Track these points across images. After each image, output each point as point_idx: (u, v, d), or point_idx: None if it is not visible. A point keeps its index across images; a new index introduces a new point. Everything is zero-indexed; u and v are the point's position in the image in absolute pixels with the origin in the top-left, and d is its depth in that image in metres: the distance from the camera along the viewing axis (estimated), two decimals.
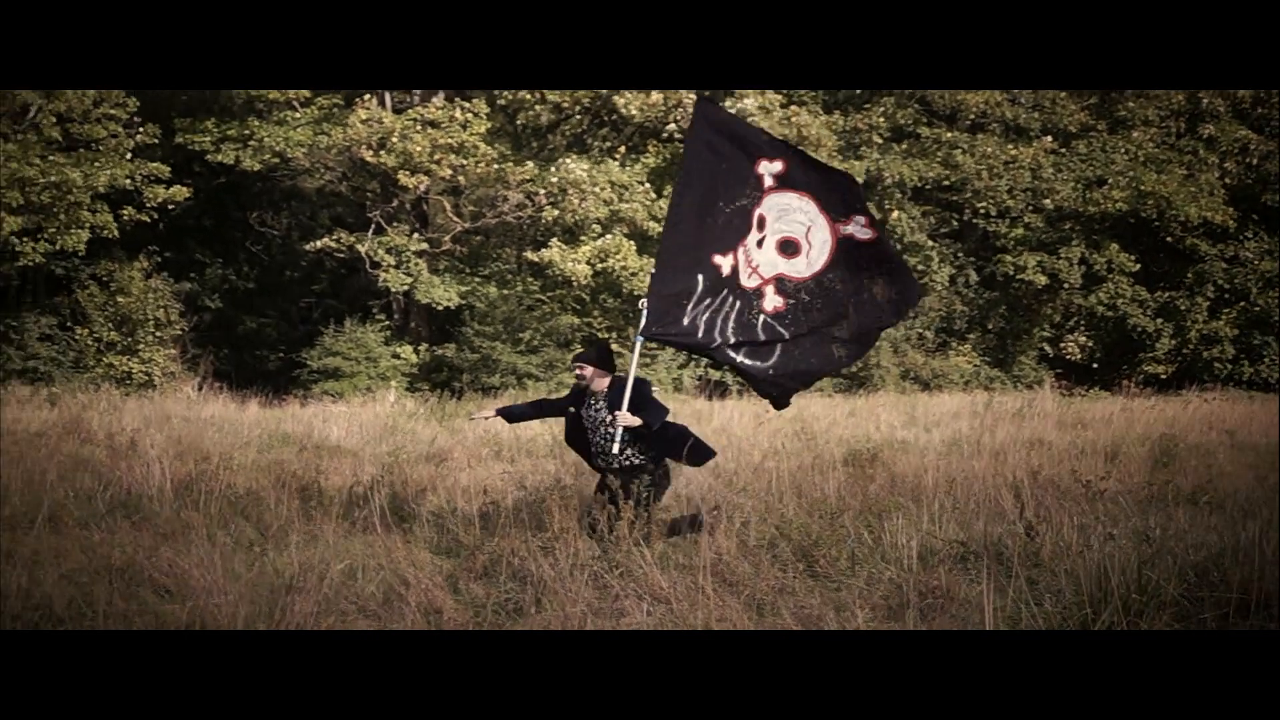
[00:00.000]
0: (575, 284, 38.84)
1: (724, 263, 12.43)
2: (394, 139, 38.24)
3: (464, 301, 39.52)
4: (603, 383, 12.50)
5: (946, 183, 43.61)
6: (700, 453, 12.63)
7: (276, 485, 14.60)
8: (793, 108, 40.20)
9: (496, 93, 40.16)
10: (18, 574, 9.89)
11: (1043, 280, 43.16)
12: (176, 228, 43.08)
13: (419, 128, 38.47)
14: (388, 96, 40.61)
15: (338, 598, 9.33)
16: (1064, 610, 9.48)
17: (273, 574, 10.02)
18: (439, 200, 41.15)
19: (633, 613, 9.54)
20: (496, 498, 14.42)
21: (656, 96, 38.71)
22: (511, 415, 13.47)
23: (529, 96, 39.87)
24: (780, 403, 13.07)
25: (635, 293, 38.50)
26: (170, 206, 39.15)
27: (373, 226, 40.50)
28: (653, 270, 12.58)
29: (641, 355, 15.21)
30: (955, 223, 45.43)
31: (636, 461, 12.20)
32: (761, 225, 12.67)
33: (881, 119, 43.25)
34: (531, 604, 9.87)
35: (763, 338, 12.46)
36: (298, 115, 40.03)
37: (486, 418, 13.46)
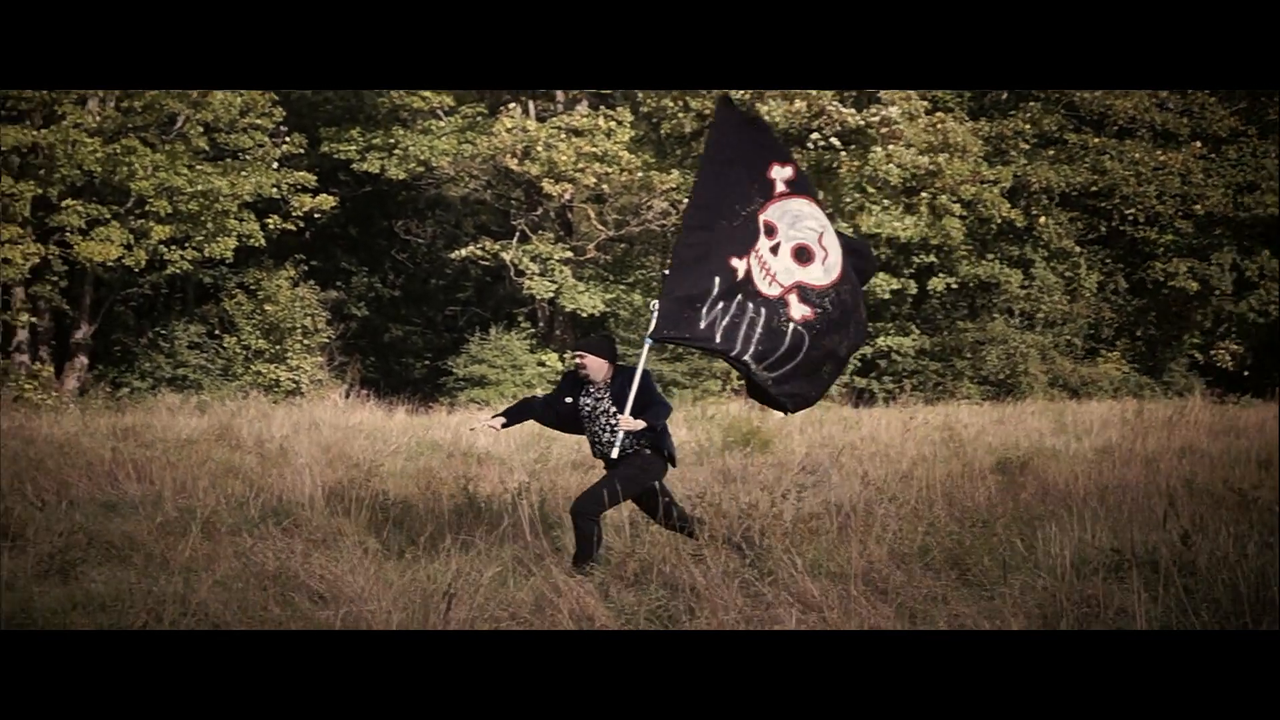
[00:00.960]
0: None
1: (740, 266, 12.06)
2: (538, 147, 38.35)
3: (608, 309, 39.57)
4: (604, 373, 12.23)
5: (1094, 189, 42.96)
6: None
7: (426, 492, 14.64)
8: (938, 114, 39.92)
9: (640, 100, 40.14)
10: (174, 580, 9.98)
11: (1193, 287, 42.51)
12: (323, 236, 43.53)
13: (563, 136, 38.55)
14: (531, 105, 40.73)
15: (490, 604, 9.32)
16: (1222, 619, 9.27)
17: (425, 580, 10.04)
18: (583, 208, 41.17)
19: (785, 620, 9.43)
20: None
21: (800, 104, 38.51)
22: (510, 417, 12.85)
23: (672, 104, 39.80)
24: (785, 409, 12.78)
25: None
26: (316, 215, 39.55)
27: (517, 234, 40.66)
28: (666, 271, 12.39)
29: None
30: (1103, 229, 44.72)
31: (631, 451, 12.01)
32: (771, 232, 12.31)
33: (1027, 125, 42.70)
34: (685, 612, 9.79)
35: (789, 344, 12.10)
36: (442, 124, 40.27)
37: (494, 427, 12.81)
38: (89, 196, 36.52)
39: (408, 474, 16.63)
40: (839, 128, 38.92)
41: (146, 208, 35.60)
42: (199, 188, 35.45)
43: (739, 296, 12.04)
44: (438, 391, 38.54)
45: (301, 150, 39.17)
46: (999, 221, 41.40)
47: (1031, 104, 43.31)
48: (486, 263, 41.25)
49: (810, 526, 12.26)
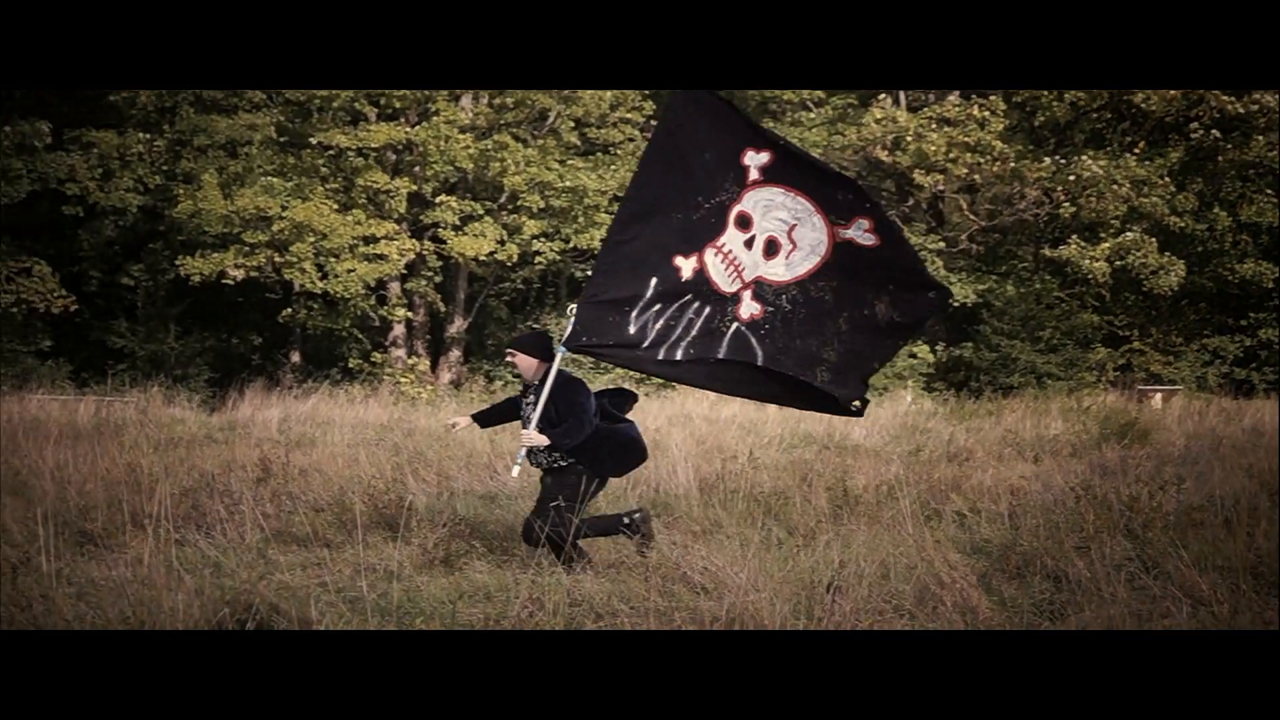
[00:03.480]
0: (1094, 281, 37.90)
1: (685, 265, 11.08)
2: (908, 138, 38.03)
3: (981, 300, 39.04)
4: (536, 373, 11.26)
5: None
6: (624, 461, 11.51)
7: (802, 484, 14.60)
8: None
9: (1013, 90, 39.50)
10: (557, 571, 10.12)
11: None
12: None
13: (934, 126, 38.17)
14: (902, 96, 40.43)
15: (873, 597, 9.23)
16: None
17: (807, 572, 9.99)
18: (955, 198, 40.75)
19: (1174, 614, 9.15)
20: (1022, 498, 14.11)
21: (1174, 92, 37.49)
22: (483, 419, 11.96)
23: (1045, 95, 39.12)
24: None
25: (1154, 290, 37.47)
26: None
27: None
28: (588, 274, 11.51)
29: None
30: None
31: (563, 464, 11.08)
32: (746, 224, 11.32)
33: None
34: (1070, 606, 9.56)
35: (721, 354, 11.13)
36: (812, 115, 40.23)
37: (458, 425, 11.86)
38: (462, 192, 37.46)
39: (781, 466, 16.60)
40: (1218, 115, 37.78)
41: (519, 203, 36.34)
42: (568, 183, 36.03)
43: (686, 297, 11.13)
44: None
45: None
46: None
47: None
48: None
49: (1194, 519, 11.89)
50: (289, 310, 38.05)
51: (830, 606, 8.60)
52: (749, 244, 11.28)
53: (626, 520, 11.26)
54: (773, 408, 22.14)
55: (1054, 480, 15.16)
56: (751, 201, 11.29)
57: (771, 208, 11.31)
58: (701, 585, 9.71)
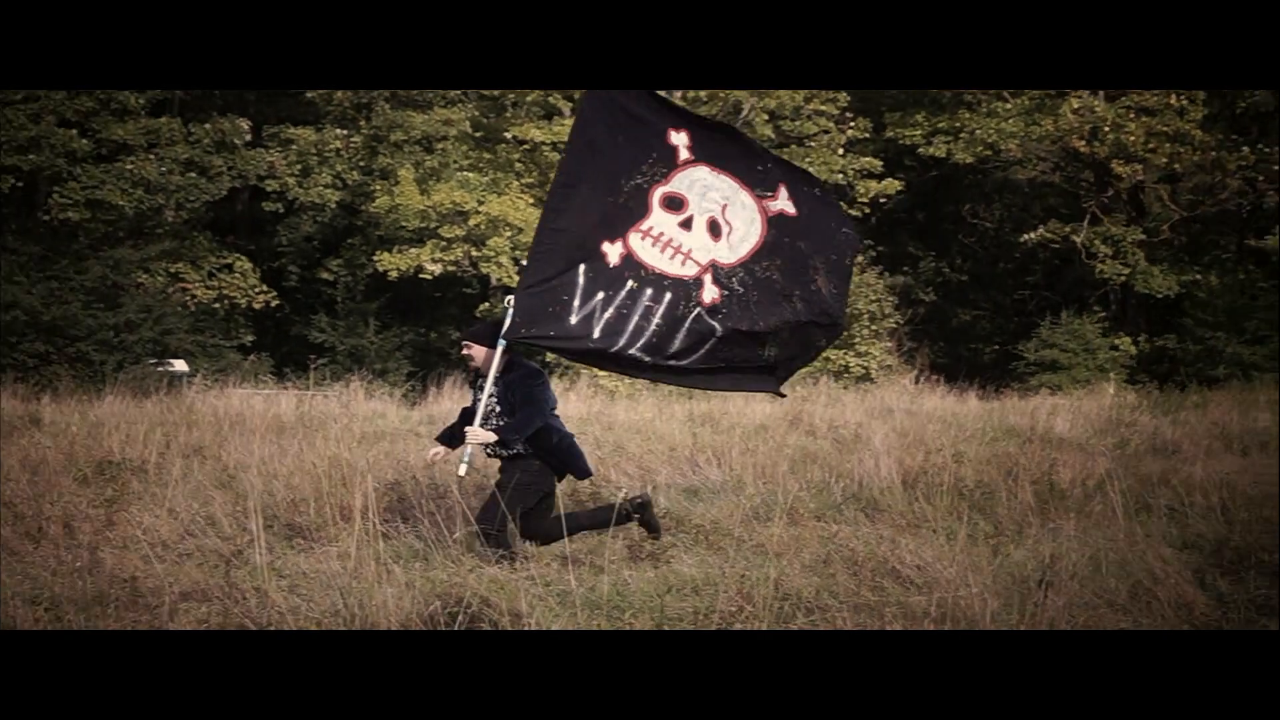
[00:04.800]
0: None
1: (611, 251, 10.84)
2: (1106, 128, 37.48)
3: (1183, 291, 38.41)
4: (491, 364, 10.94)
5: None
6: (568, 464, 11.17)
7: (1007, 478, 14.43)
8: None
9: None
10: (767, 565, 10.09)
11: None
12: (889, 221, 43.66)
13: (1132, 116, 37.57)
14: None
15: (1084, 592, 9.10)
16: None
17: (1017, 567, 9.88)
18: (1155, 189, 40.10)
19: None
20: (1233, 491, 13.81)
21: None
22: (449, 439, 11.52)
23: None
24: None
25: None
26: (882, 200, 39.67)
27: (1087, 217, 39.88)
28: (523, 264, 11.12)
29: None
30: None
31: (522, 451, 10.86)
32: (678, 205, 11.02)
33: None
34: None
35: (682, 344, 10.91)
36: (1008, 106, 39.81)
37: (437, 456, 11.63)
38: None
39: (984, 459, 16.41)
40: None
41: None
42: None
43: (629, 284, 10.86)
44: (1008, 376, 38.12)
45: (867, 135, 39.38)
46: None
47: None
48: (1056, 246, 40.64)
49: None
50: (486, 304, 38.35)
51: (1043, 602, 8.48)
52: (686, 225, 11.09)
53: (627, 506, 11.11)
54: (974, 402, 21.95)
55: (1266, 474, 14.85)
56: (686, 182, 11.13)
57: (709, 188, 11.17)
58: (910, 580, 9.64)
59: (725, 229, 11.14)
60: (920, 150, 40.46)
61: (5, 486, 12.98)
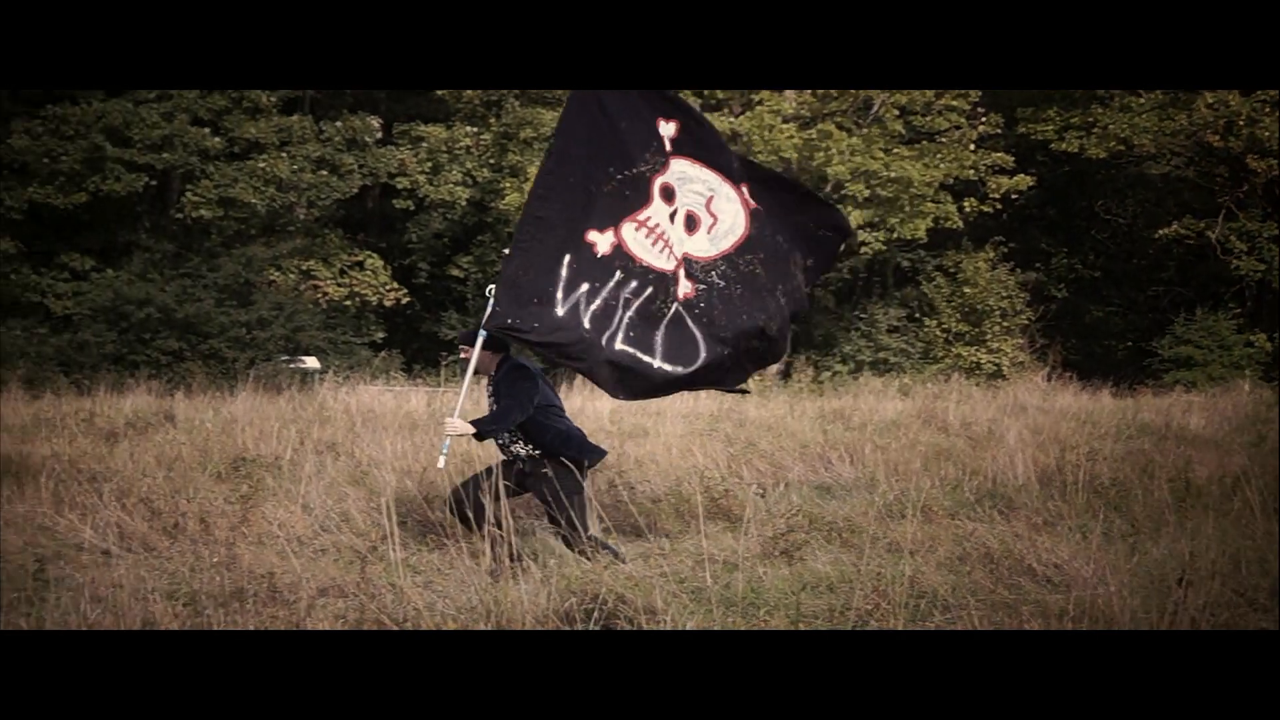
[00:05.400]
0: None
1: (600, 240, 10.62)
2: (1240, 123, 36.97)
3: None
4: (489, 365, 10.94)
5: None
6: (583, 453, 10.97)
7: (1142, 475, 14.25)
8: None
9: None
10: (901, 562, 10.03)
11: None
12: (1020, 217, 43.36)
13: (1268, 110, 37.04)
14: None
15: (1224, 590, 8.96)
16: None
17: (1155, 565, 9.76)
18: None
19: None
20: None
21: None
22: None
23: None
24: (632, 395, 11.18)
25: None
26: (1014, 196, 39.33)
27: (1222, 212, 39.35)
28: (505, 252, 10.86)
29: None
30: None
31: (536, 454, 10.81)
32: (670, 196, 10.90)
33: None
34: None
35: (665, 328, 10.75)
36: (1141, 101, 39.35)
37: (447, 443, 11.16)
38: None
39: (1119, 457, 16.23)
40: None
41: (843, 192, 36.22)
42: (893, 173, 35.78)
43: (616, 275, 10.67)
44: (1143, 374, 37.70)
45: (998, 131, 39.07)
46: None
47: None
48: (1190, 241, 40.14)
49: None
50: None
51: (1183, 601, 8.36)
52: (673, 217, 11.02)
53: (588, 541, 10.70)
54: (1107, 399, 21.67)
55: None
56: (676, 174, 11.06)
57: (687, 180, 11.08)
58: (1047, 578, 9.55)
59: (707, 221, 11.13)
60: (1052, 145, 40.09)
61: (142, 483, 13.14)
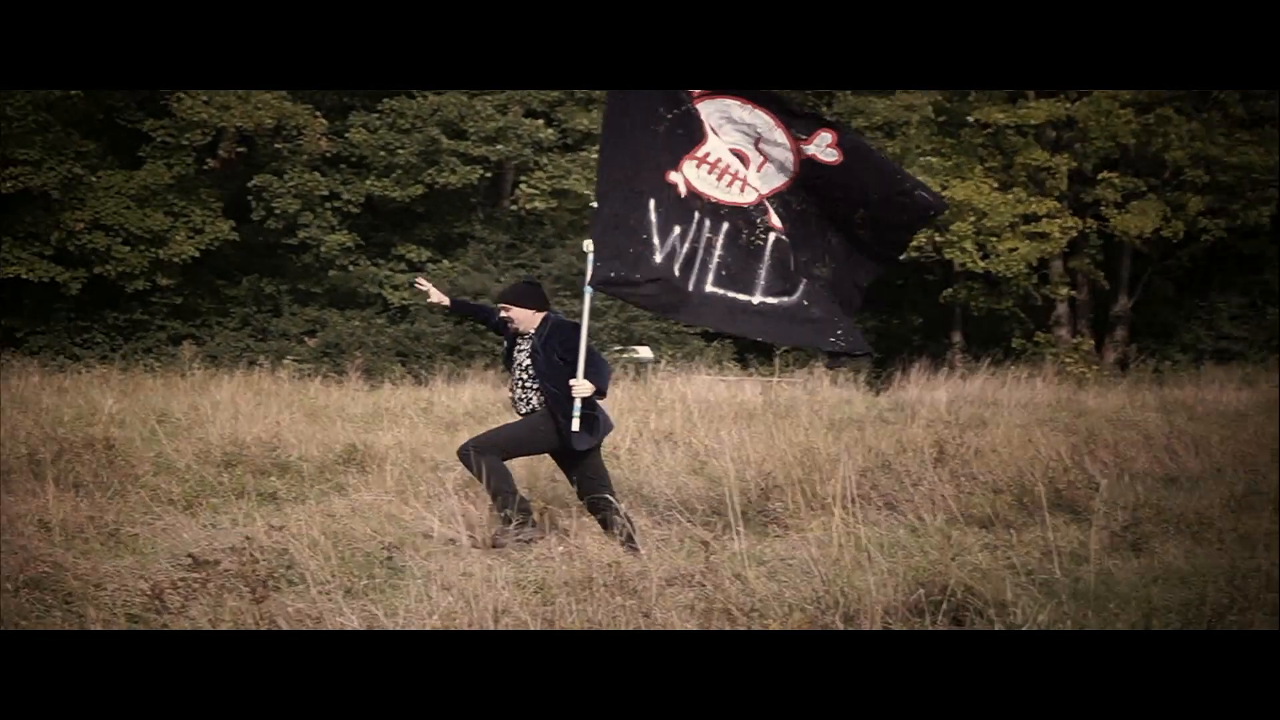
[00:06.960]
0: None
1: (678, 179, 10.39)
2: None
3: None
4: (531, 323, 10.80)
5: None
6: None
7: None
8: None
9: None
10: (1256, 556, 9.73)
11: None
12: None
13: None
14: None
15: None
16: None
17: None
18: None
19: None
20: None
21: None
22: (457, 305, 12.19)
23: None
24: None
25: None
26: None
27: None
28: (593, 205, 10.37)
29: None
30: None
31: (536, 407, 10.83)
32: (717, 130, 10.50)
33: None
34: None
35: (769, 261, 10.46)
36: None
37: (424, 288, 11.67)
38: (1124, 168, 36.67)
39: None
40: None
41: (1182, 179, 35.37)
42: (1235, 159, 34.85)
43: (695, 215, 10.46)
44: None
45: None
46: None
47: None
48: None
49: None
50: (950, 290, 38.13)
51: None
52: (735, 152, 10.74)
53: (519, 512, 10.79)
54: None
55: None
56: (708, 111, 10.68)
57: (730, 120, 10.70)
58: None
59: (756, 160, 10.79)
60: None
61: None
